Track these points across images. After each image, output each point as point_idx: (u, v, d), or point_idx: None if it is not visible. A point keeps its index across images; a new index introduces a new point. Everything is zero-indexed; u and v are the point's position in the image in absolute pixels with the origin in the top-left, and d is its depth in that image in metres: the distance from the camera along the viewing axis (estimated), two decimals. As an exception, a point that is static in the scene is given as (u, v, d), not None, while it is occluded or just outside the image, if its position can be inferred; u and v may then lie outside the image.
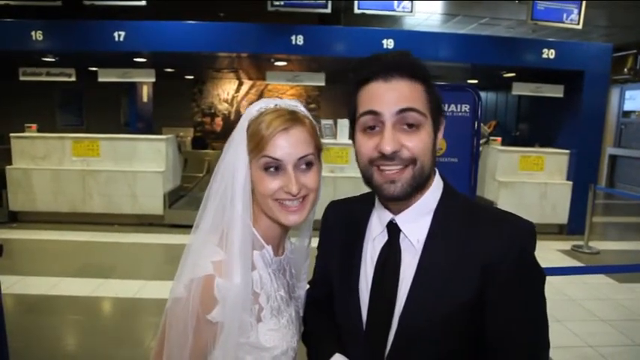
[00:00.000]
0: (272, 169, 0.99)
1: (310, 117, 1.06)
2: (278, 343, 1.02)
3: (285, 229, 1.10)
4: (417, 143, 0.91)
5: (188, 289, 0.94)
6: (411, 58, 0.94)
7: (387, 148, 0.89)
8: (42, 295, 4.26)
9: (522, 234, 0.93)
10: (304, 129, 1.01)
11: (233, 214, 0.98)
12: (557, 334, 3.77)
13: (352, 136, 1.01)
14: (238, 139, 1.01)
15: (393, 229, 1.00)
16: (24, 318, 3.82)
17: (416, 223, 0.99)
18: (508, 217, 0.97)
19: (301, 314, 1.18)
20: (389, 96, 0.91)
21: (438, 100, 0.97)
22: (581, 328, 3.89)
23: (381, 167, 0.93)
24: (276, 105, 1.03)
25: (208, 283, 0.93)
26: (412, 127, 0.91)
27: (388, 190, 0.93)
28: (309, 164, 1.02)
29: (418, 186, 0.95)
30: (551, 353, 3.43)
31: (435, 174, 1.02)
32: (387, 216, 1.01)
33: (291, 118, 1.00)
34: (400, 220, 1.00)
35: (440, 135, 0.99)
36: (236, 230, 0.97)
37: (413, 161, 0.92)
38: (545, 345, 0.94)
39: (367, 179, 0.97)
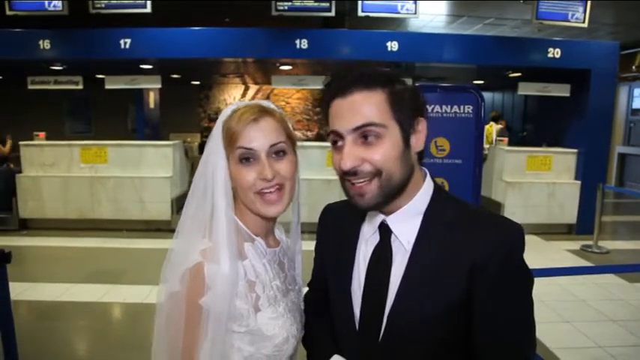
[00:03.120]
0: (247, 160, 1.04)
1: (281, 112, 1.11)
2: (278, 331, 1.05)
3: (271, 222, 1.15)
4: (378, 156, 0.92)
5: (182, 281, 0.98)
6: (365, 68, 0.96)
7: (347, 165, 0.92)
8: (52, 301, 4.29)
9: (511, 236, 0.94)
10: (274, 119, 1.06)
11: (216, 208, 1.02)
12: (567, 334, 3.74)
13: None
14: (215, 138, 1.06)
15: (385, 230, 1.02)
16: (34, 324, 3.86)
17: (406, 224, 1.00)
18: (497, 220, 0.98)
19: (301, 305, 1.20)
20: (345, 113, 0.93)
21: (412, 104, 0.96)
22: (591, 328, 3.85)
23: (351, 180, 0.95)
24: (247, 104, 1.08)
25: (199, 270, 0.97)
26: (371, 138, 0.92)
27: (358, 201, 0.97)
28: (281, 152, 1.06)
29: (391, 194, 0.96)
30: (561, 354, 3.41)
31: (425, 175, 1.04)
32: (379, 217, 1.03)
33: (260, 110, 1.05)
34: (391, 221, 1.01)
35: (419, 137, 0.98)
36: (220, 221, 1.01)
37: (377, 173, 0.93)
38: (531, 345, 0.96)
39: (344, 190, 1.00)
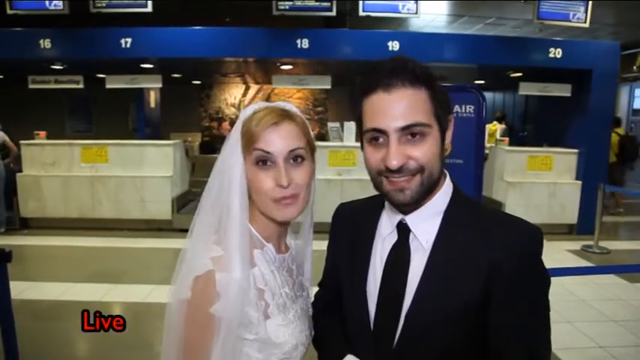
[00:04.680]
0: (264, 163, 1.01)
1: (302, 117, 1.08)
2: (288, 338, 1.04)
3: (283, 227, 1.13)
4: (423, 153, 0.92)
5: (191, 288, 0.96)
6: (410, 63, 0.94)
7: (394, 163, 0.91)
8: (52, 300, 4.30)
9: (529, 237, 0.94)
10: (295, 124, 1.04)
11: (230, 213, 1.01)
12: (568, 335, 3.74)
13: (361, 141, 1.02)
14: (234, 139, 1.04)
15: (403, 230, 1.02)
16: (34, 324, 3.85)
17: (426, 224, 1.00)
18: (516, 221, 0.98)
19: (310, 311, 1.18)
20: (392, 111, 0.91)
21: (446, 100, 0.97)
22: (591, 328, 3.85)
23: (390, 178, 0.95)
24: (268, 106, 1.06)
25: (210, 278, 0.96)
26: (417, 136, 0.92)
27: (397, 197, 0.95)
28: (299, 158, 1.04)
29: (427, 191, 0.96)
30: (562, 354, 3.40)
31: (445, 176, 1.03)
32: (397, 216, 1.02)
33: (282, 114, 1.03)
34: (410, 220, 1.01)
35: (449, 134, 1.00)
36: (233, 227, 0.99)
37: (421, 170, 0.93)
38: (546, 347, 0.95)
39: (377, 186, 0.99)
